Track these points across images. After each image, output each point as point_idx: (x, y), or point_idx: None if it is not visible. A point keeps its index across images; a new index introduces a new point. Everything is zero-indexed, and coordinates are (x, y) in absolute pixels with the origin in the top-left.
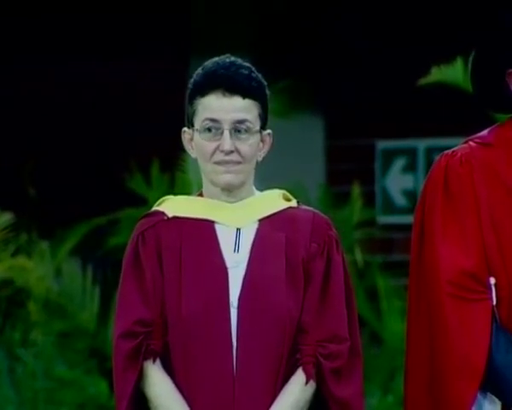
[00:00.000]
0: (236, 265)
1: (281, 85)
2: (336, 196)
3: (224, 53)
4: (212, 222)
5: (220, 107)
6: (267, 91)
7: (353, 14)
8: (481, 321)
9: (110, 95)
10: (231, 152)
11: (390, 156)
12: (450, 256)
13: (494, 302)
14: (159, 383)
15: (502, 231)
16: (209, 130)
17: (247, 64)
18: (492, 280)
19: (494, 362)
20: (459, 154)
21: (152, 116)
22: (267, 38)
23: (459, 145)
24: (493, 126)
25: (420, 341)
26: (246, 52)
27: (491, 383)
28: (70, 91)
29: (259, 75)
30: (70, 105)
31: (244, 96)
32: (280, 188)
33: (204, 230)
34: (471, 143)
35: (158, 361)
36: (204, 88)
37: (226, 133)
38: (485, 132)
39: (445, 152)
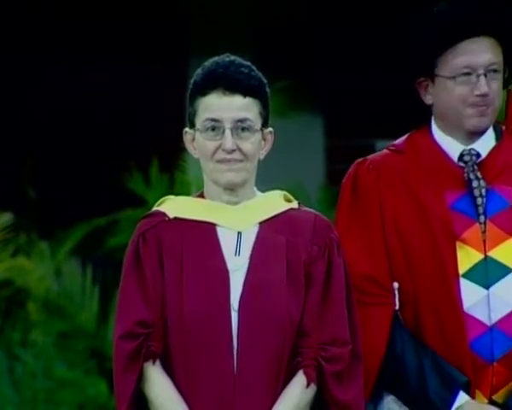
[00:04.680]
0: (237, 268)
1: (280, 85)
2: (336, 197)
3: (223, 53)
4: (214, 225)
5: (221, 106)
6: (267, 89)
7: (354, 14)
8: (380, 325)
9: (110, 95)
10: (233, 151)
11: None
12: (351, 261)
13: (397, 307)
14: (159, 384)
15: (406, 237)
16: (210, 129)
17: (247, 63)
18: (396, 285)
19: (402, 362)
20: (368, 161)
21: (151, 117)
22: (267, 38)
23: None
24: (409, 134)
25: None
26: (245, 52)
27: (399, 383)
28: (70, 92)
29: (259, 73)
30: (70, 106)
31: (244, 95)
32: (280, 188)
33: (205, 232)
34: (386, 150)
35: (158, 362)
36: (204, 88)
37: (227, 132)
38: (401, 139)
39: (358, 160)
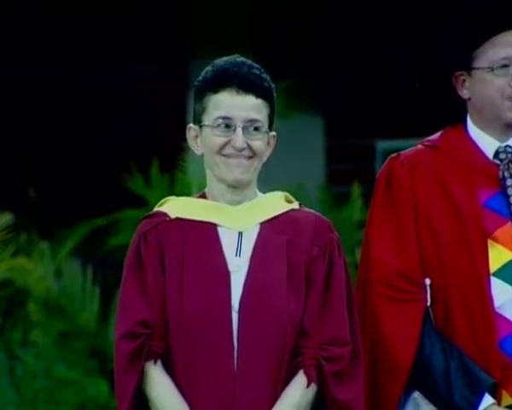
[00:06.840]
0: (238, 268)
1: (281, 86)
2: (336, 197)
3: (222, 55)
4: (215, 225)
5: (234, 104)
6: (275, 93)
7: (353, 15)
8: (411, 322)
9: (110, 96)
10: (243, 149)
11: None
12: (383, 257)
13: (429, 303)
14: (160, 384)
15: (438, 233)
16: (223, 126)
17: (257, 65)
18: (428, 281)
19: (429, 363)
20: (402, 157)
21: (151, 117)
22: (267, 38)
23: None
24: (444, 130)
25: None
26: (245, 52)
27: (425, 383)
28: (70, 92)
29: (268, 76)
30: (70, 106)
31: (257, 96)
32: (280, 188)
33: (207, 232)
34: (420, 146)
35: (159, 362)
36: (216, 85)
37: (239, 130)
38: (436, 135)
39: (392, 155)
